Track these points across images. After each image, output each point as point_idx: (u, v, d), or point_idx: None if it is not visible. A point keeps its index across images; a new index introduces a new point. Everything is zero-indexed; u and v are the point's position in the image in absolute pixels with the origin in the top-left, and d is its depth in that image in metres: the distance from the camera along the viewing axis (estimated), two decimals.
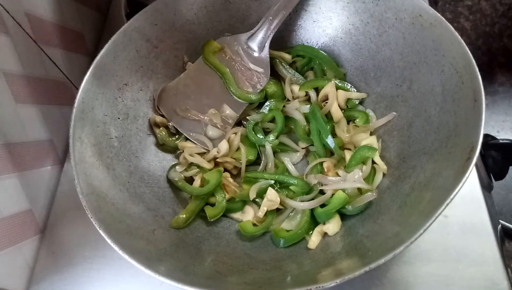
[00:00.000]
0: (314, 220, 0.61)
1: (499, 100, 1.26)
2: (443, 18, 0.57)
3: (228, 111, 0.71)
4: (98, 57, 0.63)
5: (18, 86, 0.64)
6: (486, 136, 0.73)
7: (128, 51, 0.67)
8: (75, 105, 0.59)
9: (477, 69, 0.52)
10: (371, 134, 0.67)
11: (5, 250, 0.61)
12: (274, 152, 0.69)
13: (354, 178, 0.61)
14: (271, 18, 0.70)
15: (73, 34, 0.81)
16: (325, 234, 0.60)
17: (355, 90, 0.71)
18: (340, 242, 0.58)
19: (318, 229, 0.60)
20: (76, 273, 0.66)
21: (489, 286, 0.58)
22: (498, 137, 0.73)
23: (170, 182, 0.67)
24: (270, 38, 0.71)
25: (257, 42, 0.72)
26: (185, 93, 0.71)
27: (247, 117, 0.72)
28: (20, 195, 0.65)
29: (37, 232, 0.69)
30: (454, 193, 0.46)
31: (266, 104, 0.73)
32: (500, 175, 0.72)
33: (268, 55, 0.72)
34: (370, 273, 0.58)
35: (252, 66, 0.72)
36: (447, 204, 0.46)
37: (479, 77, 0.52)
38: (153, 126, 0.70)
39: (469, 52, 0.54)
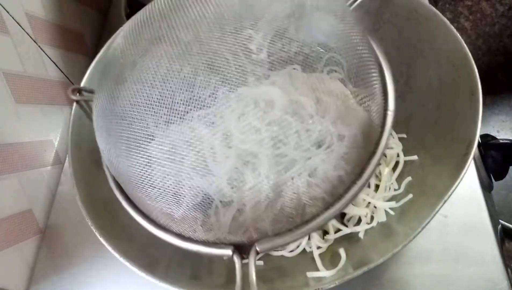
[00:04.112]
0: None
1: (499, 100, 1.26)
2: (439, 13, 0.57)
3: None
4: (96, 59, 0.63)
5: (18, 86, 0.65)
6: (486, 136, 0.73)
7: None
8: (72, 111, 0.59)
9: (473, 63, 0.52)
10: None
11: (5, 250, 0.61)
12: None
13: None
14: None
15: (73, 34, 0.81)
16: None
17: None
18: None
19: None
20: (76, 273, 0.66)
21: (489, 286, 0.58)
22: (498, 137, 0.73)
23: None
24: None
25: None
26: None
27: None
28: (20, 195, 0.65)
29: (37, 232, 0.69)
30: (453, 188, 0.46)
31: None
32: (500, 175, 0.71)
33: None
34: (369, 273, 0.57)
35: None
36: (446, 200, 0.46)
37: (476, 71, 0.52)
38: None
39: (466, 46, 0.54)
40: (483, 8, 1.36)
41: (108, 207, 0.57)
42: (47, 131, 0.73)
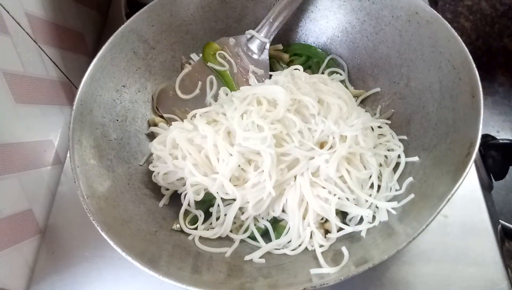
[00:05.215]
0: None
1: (499, 100, 1.26)
2: (439, 15, 0.58)
3: None
4: (95, 59, 0.63)
5: (18, 86, 0.64)
6: (486, 136, 0.73)
7: (125, 53, 0.67)
8: (74, 107, 0.59)
9: (474, 65, 0.53)
10: None
11: (5, 250, 0.61)
12: None
13: None
14: (271, 20, 0.71)
15: (73, 34, 0.81)
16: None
17: (353, 88, 0.72)
18: None
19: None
20: (76, 273, 0.66)
21: (489, 286, 0.58)
22: (498, 137, 0.73)
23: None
24: (270, 41, 0.72)
25: (257, 44, 0.73)
26: (184, 94, 0.72)
27: None
28: (20, 195, 0.65)
29: (37, 232, 0.68)
30: (455, 188, 0.46)
31: None
32: (500, 175, 0.71)
33: (268, 58, 0.72)
34: (370, 273, 0.58)
35: (252, 68, 0.72)
36: (448, 200, 0.46)
37: (477, 73, 0.52)
38: (152, 127, 0.70)
39: (466, 48, 0.54)
40: (483, 8, 1.36)
41: (109, 203, 0.57)
42: (47, 131, 0.73)
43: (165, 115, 0.70)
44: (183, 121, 0.67)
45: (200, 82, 0.72)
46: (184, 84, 0.72)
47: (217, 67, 0.72)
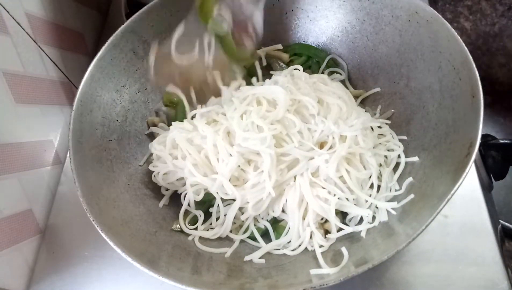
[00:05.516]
0: None
1: (499, 100, 1.26)
2: (439, 15, 0.58)
3: None
4: (95, 59, 0.63)
5: (18, 86, 0.64)
6: (486, 136, 0.73)
7: (125, 53, 0.67)
8: (74, 108, 0.60)
9: (474, 65, 0.53)
10: None
11: (5, 250, 0.61)
12: None
13: None
14: None
15: (73, 34, 0.82)
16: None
17: (353, 88, 0.72)
18: None
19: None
20: (76, 273, 0.66)
21: (489, 286, 0.58)
22: (498, 137, 0.73)
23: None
24: None
25: None
26: (181, 59, 0.63)
27: None
28: (20, 195, 0.65)
29: (37, 232, 0.69)
30: (455, 189, 0.46)
31: None
32: (500, 175, 0.71)
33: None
34: (369, 273, 0.58)
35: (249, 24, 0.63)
36: (448, 200, 0.46)
37: (477, 73, 0.52)
38: (151, 127, 0.70)
39: (466, 48, 0.54)
40: (483, 8, 1.36)
41: (109, 203, 0.57)
42: (47, 131, 0.73)
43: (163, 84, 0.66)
44: (184, 93, 0.66)
45: (197, 44, 0.63)
46: (179, 48, 0.63)
47: (218, 30, 0.62)
